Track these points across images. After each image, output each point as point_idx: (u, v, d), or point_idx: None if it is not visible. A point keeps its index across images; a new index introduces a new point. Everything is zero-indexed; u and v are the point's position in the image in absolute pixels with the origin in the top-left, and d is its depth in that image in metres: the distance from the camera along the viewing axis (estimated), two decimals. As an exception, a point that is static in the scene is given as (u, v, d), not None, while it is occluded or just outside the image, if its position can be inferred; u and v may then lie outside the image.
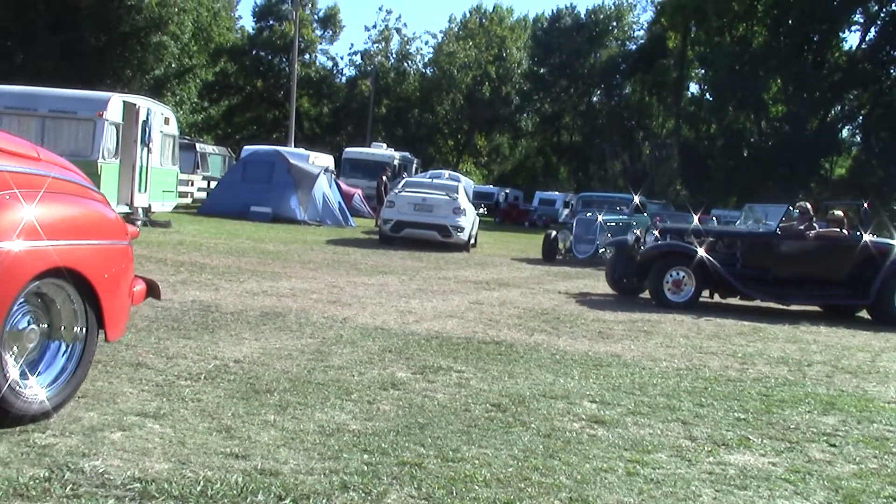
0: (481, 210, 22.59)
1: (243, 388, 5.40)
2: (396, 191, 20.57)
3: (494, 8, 67.22)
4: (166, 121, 19.44)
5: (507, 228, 36.53)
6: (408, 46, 64.96)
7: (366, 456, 4.30)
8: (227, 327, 7.44)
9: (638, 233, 13.76)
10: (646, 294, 12.73)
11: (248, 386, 5.47)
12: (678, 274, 12.07)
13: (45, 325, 4.49)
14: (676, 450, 4.86)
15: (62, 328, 4.56)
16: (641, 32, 64.10)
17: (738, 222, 15.01)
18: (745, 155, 49.02)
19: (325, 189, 24.66)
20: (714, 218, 29.41)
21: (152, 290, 5.30)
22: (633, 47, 64.03)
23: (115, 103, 16.97)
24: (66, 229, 4.34)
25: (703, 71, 54.93)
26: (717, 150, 51.27)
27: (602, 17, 64.10)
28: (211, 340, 6.80)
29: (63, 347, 4.58)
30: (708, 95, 55.32)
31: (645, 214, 23.20)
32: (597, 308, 11.22)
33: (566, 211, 35.21)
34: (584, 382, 6.45)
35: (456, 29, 65.36)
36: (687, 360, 7.77)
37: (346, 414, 5.04)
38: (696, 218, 14.06)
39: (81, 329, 4.61)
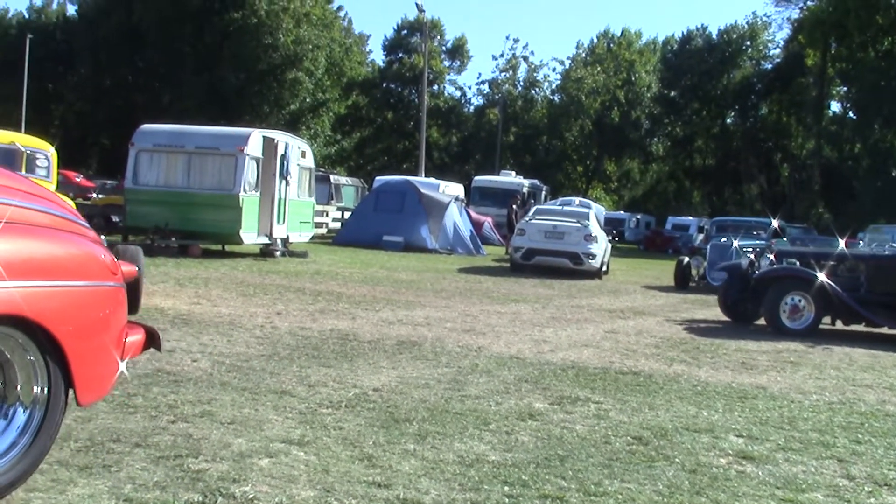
0: (612, 237, 22.22)
1: (383, 417, 5.46)
2: (527, 218, 20.54)
3: (623, 32, 66.60)
4: (303, 154, 20.10)
5: (641, 255, 35.85)
6: (535, 74, 65.13)
7: (506, 488, 4.26)
8: (365, 356, 7.56)
9: (752, 256, 13.18)
10: (761, 321, 12.18)
11: (388, 414, 5.53)
12: (796, 299, 11.47)
13: None
14: (833, 489, 4.60)
15: (17, 387, 3.81)
16: (777, 51, 62.03)
17: (860, 244, 14.15)
18: (893, 175, 46.50)
19: (455, 218, 24.89)
20: (861, 241, 27.96)
21: (152, 340, 4.50)
22: (769, 66, 62.00)
23: (256, 139, 17.67)
24: (17, 267, 3.50)
25: (845, 88, 52.59)
26: (863, 170, 48.82)
27: (735, 36, 62.45)
28: (350, 369, 6.93)
29: (18, 413, 3.82)
30: (851, 113, 52.90)
31: (784, 239, 22.30)
32: (738, 337, 10.82)
33: (700, 236, 34.30)
34: (728, 415, 6.21)
35: (583, 54, 65.05)
36: (839, 393, 7.37)
37: (484, 444, 5.02)
38: (842, 242, 13.36)
39: (42, 390, 3.82)
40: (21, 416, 3.80)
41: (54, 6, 65.20)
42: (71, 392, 3.89)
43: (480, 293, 14.08)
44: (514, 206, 27.02)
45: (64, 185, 22.45)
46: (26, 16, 63.51)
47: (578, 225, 19.30)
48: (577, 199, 29.53)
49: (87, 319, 3.92)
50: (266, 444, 4.71)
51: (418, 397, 6.08)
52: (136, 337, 4.36)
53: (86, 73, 57.18)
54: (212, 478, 4.10)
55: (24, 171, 9.36)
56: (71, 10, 62.29)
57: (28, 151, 9.57)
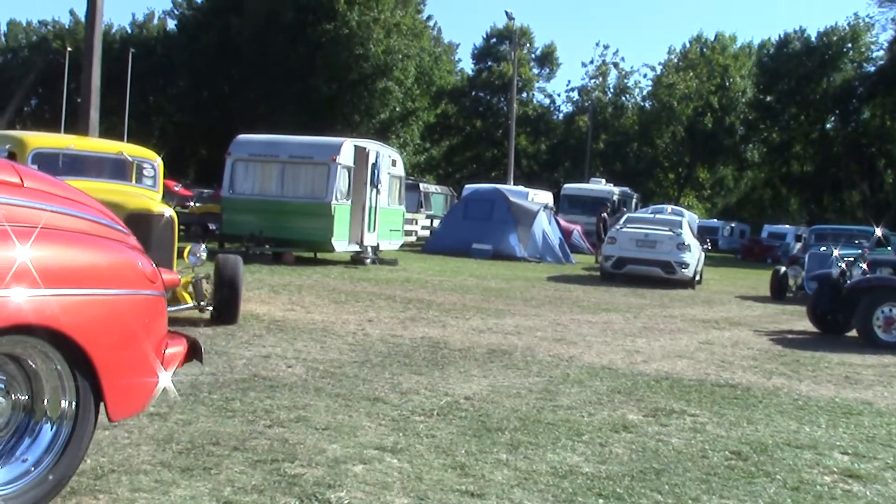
0: (705, 245, 21.70)
1: (475, 426, 5.45)
2: (618, 226, 20.27)
3: (716, 36, 65.19)
4: (393, 163, 20.31)
5: (737, 264, 34.95)
6: (626, 80, 64.33)
7: (601, 501, 4.19)
8: (456, 364, 7.57)
9: (843, 265, 12.64)
10: (853, 332, 11.67)
11: (480, 423, 5.52)
12: (890, 311, 10.95)
13: (24, 398, 3.61)
14: (948, 512, 4.38)
15: (44, 401, 3.61)
16: (881, 53, 59.73)
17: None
18: None
19: (544, 226, 24.75)
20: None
21: (195, 352, 4.33)
22: (872, 69, 59.75)
23: (348, 148, 17.94)
24: (45, 275, 3.36)
25: (953, 91, 50.28)
26: (972, 176, 46.58)
27: (835, 38, 60.40)
28: (441, 377, 6.94)
29: (45, 430, 3.62)
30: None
31: (889, 248, 21.41)
32: (840, 350, 10.43)
33: (798, 245, 33.24)
34: (832, 432, 5.98)
35: (675, 60, 63.94)
36: (951, 411, 7.02)
37: (577, 456, 4.96)
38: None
39: (70, 404, 3.62)
40: (48, 433, 3.61)
41: (155, 21, 67.66)
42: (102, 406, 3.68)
43: (570, 302, 13.95)
44: (604, 214, 26.71)
45: (164, 195, 23.17)
46: (129, 31, 66.07)
47: (671, 233, 18.95)
48: (669, 207, 29.03)
49: (120, 329, 3.72)
50: (360, 450, 4.75)
51: (510, 406, 6.05)
52: (178, 349, 4.16)
53: (184, 86, 59.10)
54: (308, 483, 4.15)
55: (132, 181, 9.57)
56: (171, 24, 64.50)
57: (135, 161, 9.69)
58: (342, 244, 17.67)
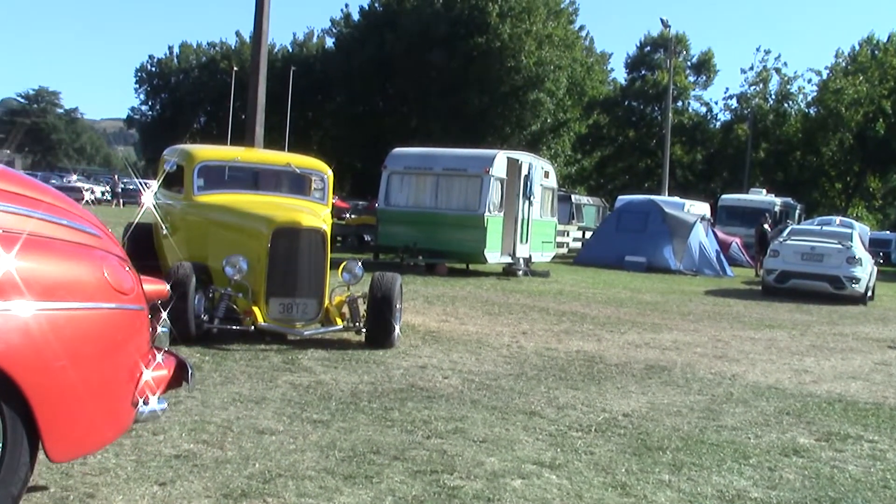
0: (878, 259, 20.40)
1: (634, 444, 5.31)
2: (781, 239, 19.37)
3: (889, 37, 61.45)
4: (546, 174, 20.21)
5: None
6: (788, 86, 61.55)
7: (773, 529, 3.98)
8: (613, 379, 7.40)
9: None
10: None
11: (640, 441, 5.36)
12: None
13: None
14: None
15: None
16: None
17: None
18: None
19: (701, 237, 23.97)
20: None
21: (181, 374, 3.73)
22: None
23: (501, 160, 17.98)
24: None
25: None
26: None
27: None
28: (598, 392, 6.81)
29: None
30: None
31: None
32: None
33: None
34: None
35: (843, 63, 60.68)
36: None
37: (745, 480, 4.74)
38: None
39: None
40: None
41: (314, 40, 70.32)
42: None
43: (731, 317, 13.42)
44: (765, 226, 25.61)
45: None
46: (290, 49, 68.95)
47: (840, 246, 17.94)
48: (837, 219, 27.53)
49: (66, 351, 3.01)
50: (518, 464, 4.71)
51: (671, 425, 5.85)
52: (160, 373, 3.49)
53: (341, 101, 61.05)
54: (467, 496, 4.15)
55: (299, 193, 9.34)
56: (329, 42, 66.84)
57: (302, 172, 9.53)
58: (494, 256, 17.71)
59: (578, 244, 28.61)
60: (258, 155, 11.01)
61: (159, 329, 3.81)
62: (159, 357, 3.57)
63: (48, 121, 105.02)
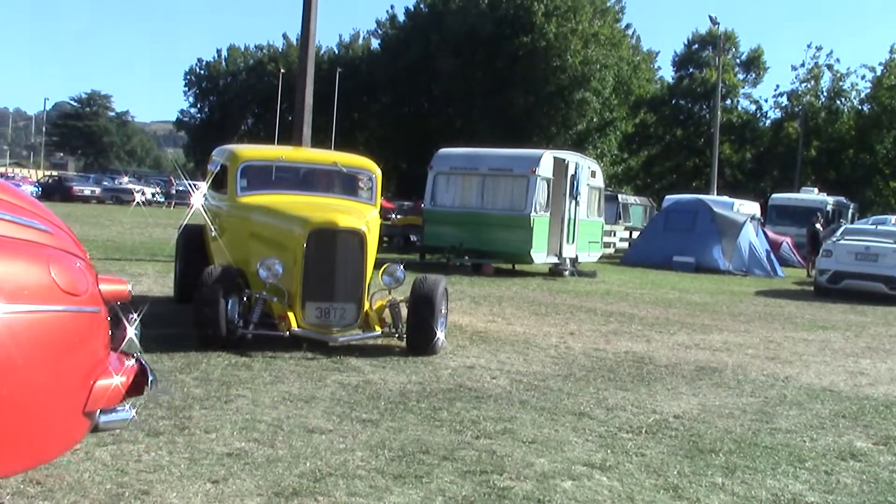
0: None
1: (686, 446, 5.24)
2: (834, 238, 19.00)
3: (945, 32, 59.94)
4: (592, 174, 20.06)
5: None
6: (841, 83, 60.39)
7: (831, 535, 3.89)
8: (663, 380, 7.32)
9: None
10: None
11: (691, 444, 5.29)
12: None
13: None
14: None
15: None
16: None
17: None
18: None
19: (751, 237, 23.61)
20: None
21: (141, 381, 3.41)
22: None
23: (547, 160, 17.89)
24: None
25: None
26: None
27: None
28: (648, 393, 6.73)
29: None
30: None
31: None
32: None
33: None
34: None
35: (897, 59, 59.35)
36: None
37: (801, 483, 4.65)
38: None
39: None
40: None
41: (360, 41, 70.71)
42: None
43: (782, 318, 13.19)
44: (817, 225, 25.16)
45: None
46: (336, 51, 69.43)
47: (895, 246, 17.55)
48: (893, 218, 26.91)
49: None
50: (568, 465, 4.67)
51: (723, 427, 5.77)
52: (113, 380, 3.16)
53: (386, 102, 61.38)
54: (517, 496, 4.13)
55: (345, 193, 9.01)
56: (374, 44, 67.17)
57: (349, 172, 9.14)
58: (541, 256, 17.64)
59: (625, 244, 28.37)
60: (304, 154, 10.60)
61: (129, 333, 3.46)
62: (114, 362, 3.25)
63: (100, 124, 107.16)
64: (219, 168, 9.40)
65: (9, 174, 61.57)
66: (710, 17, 44.10)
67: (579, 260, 19.19)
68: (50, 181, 49.84)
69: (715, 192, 36.79)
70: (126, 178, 58.30)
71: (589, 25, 51.61)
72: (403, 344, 7.75)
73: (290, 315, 7.35)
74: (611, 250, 26.49)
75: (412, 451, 4.73)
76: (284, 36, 73.08)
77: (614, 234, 28.15)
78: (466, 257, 17.51)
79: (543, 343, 8.89)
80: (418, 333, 7.58)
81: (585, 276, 18.25)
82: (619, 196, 32.30)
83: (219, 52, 76.35)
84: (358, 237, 7.55)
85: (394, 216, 28.61)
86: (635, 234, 28.59)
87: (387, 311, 7.76)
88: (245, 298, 7.44)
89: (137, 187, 50.39)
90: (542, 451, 4.92)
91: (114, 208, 40.21)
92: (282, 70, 62.03)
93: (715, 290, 17.48)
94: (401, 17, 61.50)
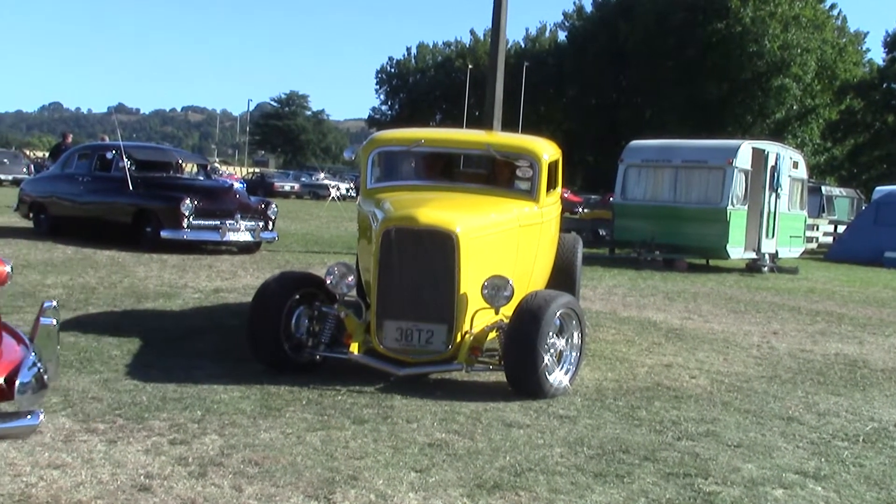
0: None
1: (910, 458, 4.85)
2: None
3: None
4: (795, 165, 19.01)
5: None
6: None
7: None
8: (880, 386, 6.82)
9: None
10: None
11: (917, 456, 4.89)
12: None
13: None
14: None
15: None
16: None
17: None
18: None
19: (975, 232, 21.62)
20: None
21: (7, 387, 2.96)
22: None
23: (745, 150, 17.11)
24: None
25: None
26: None
27: None
28: (863, 399, 6.30)
29: None
30: None
31: None
32: None
33: None
34: None
35: None
36: None
37: None
38: None
39: None
40: None
41: (547, 34, 70.51)
42: None
43: None
44: None
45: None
46: (522, 45, 69.57)
47: None
48: None
49: None
50: (778, 472, 4.44)
51: (953, 439, 5.30)
52: None
53: (573, 95, 60.90)
54: (724, 502, 3.96)
55: (497, 184, 7.22)
56: (561, 36, 66.80)
57: (502, 157, 7.23)
58: (738, 251, 16.90)
59: (829, 239, 26.74)
60: (450, 136, 8.51)
61: (42, 323, 3.16)
62: None
63: (298, 122, 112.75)
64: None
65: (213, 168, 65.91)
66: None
67: (779, 255, 18.25)
68: (253, 178, 53.04)
69: (932, 183, 33.98)
70: (322, 174, 61.00)
71: (789, 7, 49.04)
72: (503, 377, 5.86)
73: (356, 337, 5.92)
74: (813, 245, 25.06)
75: (611, 449, 4.65)
76: (472, 31, 74.11)
77: (817, 228, 26.61)
78: (658, 252, 17.05)
79: (744, 342, 8.51)
80: (514, 365, 5.69)
81: (786, 273, 17.34)
82: (823, 188, 30.52)
83: (408, 49, 78.49)
84: (447, 240, 5.75)
85: (581, 210, 28.36)
86: (840, 228, 26.90)
87: (497, 338, 5.94)
88: (316, 312, 6.16)
89: (332, 182, 52.64)
90: (749, 455, 4.70)
91: (311, 203, 42.17)
92: (469, 66, 62.89)
93: (934, 288, 16.11)
94: (588, 8, 60.81)
